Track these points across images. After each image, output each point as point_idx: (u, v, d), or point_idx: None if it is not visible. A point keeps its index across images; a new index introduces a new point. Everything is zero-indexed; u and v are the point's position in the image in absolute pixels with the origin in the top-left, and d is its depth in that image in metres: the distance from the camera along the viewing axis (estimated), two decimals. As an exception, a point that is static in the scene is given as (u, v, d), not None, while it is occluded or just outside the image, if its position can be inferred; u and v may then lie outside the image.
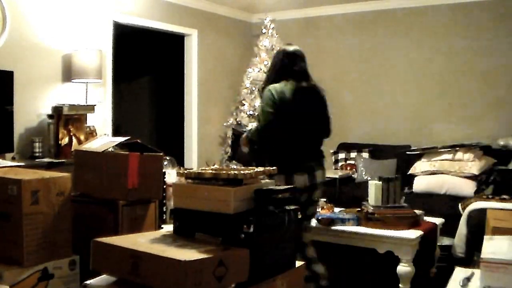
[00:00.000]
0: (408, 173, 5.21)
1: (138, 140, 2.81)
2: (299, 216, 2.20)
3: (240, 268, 1.90)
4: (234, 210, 1.96)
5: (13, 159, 4.05)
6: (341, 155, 5.98)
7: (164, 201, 3.34)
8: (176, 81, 6.59)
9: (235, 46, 6.74)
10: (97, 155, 2.61)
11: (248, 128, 3.55)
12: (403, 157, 5.48)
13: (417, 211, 3.70)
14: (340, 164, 5.94)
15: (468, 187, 4.84)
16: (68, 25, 4.70)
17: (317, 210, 3.70)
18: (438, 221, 3.87)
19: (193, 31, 6.10)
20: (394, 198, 3.62)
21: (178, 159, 4.64)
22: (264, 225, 2.00)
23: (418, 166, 5.19)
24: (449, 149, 5.09)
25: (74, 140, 4.35)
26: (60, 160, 4.14)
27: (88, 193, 2.65)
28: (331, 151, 6.11)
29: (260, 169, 2.18)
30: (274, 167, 2.27)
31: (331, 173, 5.60)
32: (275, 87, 3.16)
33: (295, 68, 3.26)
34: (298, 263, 2.25)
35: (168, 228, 2.59)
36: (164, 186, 3.35)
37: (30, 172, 2.49)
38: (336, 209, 3.96)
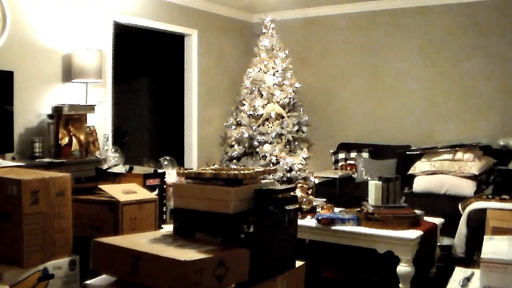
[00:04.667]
0: (408, 173, 5.21)
1: None
2: None
3: (240, 268, 1.90)
4: (234, 210, 1.96)
5: (13, 159, 4.05)
6: (341, 155, 5.97)
7: (164, 201, 3.34)
8: (176, 81, 6.59)
9: (235, 46, 6.74)
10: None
11: None
12: (403, 157, 5.48)
13: (417, 211, 3.70)
14: (340, 164, 5.94)
15: (468, 187, 4.84)
16: (68, 25, 4.70)
17: (317, 210, 3.70)
18: (438, 221, 3.87)
19: (193, 31, 6.09)
20: (394, 198, 3.62)
21: (178, 159, 4.63)
22: (264, 225, 2.00)
23: (418, 166, 5.19)
24: (449, 149, 5.08)
25: (74, 140, 4.35)
26: (60, 160, 4.14)
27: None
28: (331, 151, 6.12)
29: (260, 169, 2.18)
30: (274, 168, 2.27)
31: (331, 173, 5.61)
32: None
33: None
34: (298, 263, 2.25)
35: (168, 228, 2.60)
36: (164, 186, 3.35)
37: (30, 172, 2.49)
38: (336, 209, 3.95)
